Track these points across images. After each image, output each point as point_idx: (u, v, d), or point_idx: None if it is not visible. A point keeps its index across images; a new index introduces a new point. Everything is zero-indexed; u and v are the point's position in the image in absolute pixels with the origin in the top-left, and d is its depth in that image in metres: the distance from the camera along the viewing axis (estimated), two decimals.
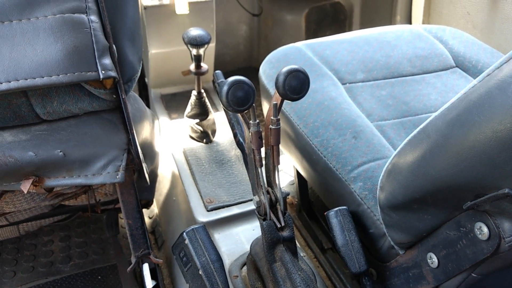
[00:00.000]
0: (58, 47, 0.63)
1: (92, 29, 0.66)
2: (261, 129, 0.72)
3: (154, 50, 1.41)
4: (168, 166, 1.33)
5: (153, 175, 1.10)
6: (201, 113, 1.25)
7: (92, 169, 0.70)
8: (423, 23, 1.73)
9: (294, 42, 2.08)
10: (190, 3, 1.27)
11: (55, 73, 0.62)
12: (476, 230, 0.59)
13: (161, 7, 1.29)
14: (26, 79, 0.61)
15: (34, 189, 0.68)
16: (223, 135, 1.32)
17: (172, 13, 1.29)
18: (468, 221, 0.60)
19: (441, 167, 0.56)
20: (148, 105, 1.61)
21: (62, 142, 0.69)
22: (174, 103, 1.52)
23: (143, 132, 0.91)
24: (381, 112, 1.04)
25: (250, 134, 0.73)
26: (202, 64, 1.15)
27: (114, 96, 0.71)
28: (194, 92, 1.22)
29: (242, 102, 0.67)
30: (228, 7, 2.03)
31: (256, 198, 0.80)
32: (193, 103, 1.24)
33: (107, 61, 0.66)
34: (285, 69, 0.69)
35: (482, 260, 0.60)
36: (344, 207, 0.83)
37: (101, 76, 0.65)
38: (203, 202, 1.06)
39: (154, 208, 1.41)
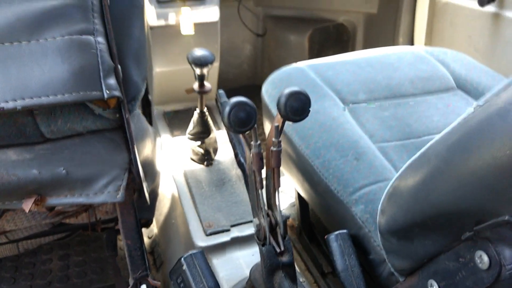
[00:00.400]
0: (65, 67, 0.64)
1: (98, 50, 0.67)
2: (262, 150, 0.72)
3: (159, 69, 1.42)
4: (169, 186, 1.32)
5: (154, 194, 1.10)
6: (203, 131, 1.26)
7: (94, 188, 0.71)
8: (426, 45, 1.74)
9: (297, 62, 2.11)
10: (195, 24, 1.29)
11: (61, 93, 0.63)
12: (476, 259, 0.58)
13: (166, 27, 1.31)
14: (32, 98, 0.62)
15: (35, 208, 0.68)
16: (225, 154, 1.32)
17: (177, 33, 1.31)
18: (468, 252, 0.59)
19: (441, 192, 0.55)
20: (150, 122, 1.62)
21: (66, 161, 0.70)
22: (176, 120, 1.53)
23: (145, 150, 0.92)
24: (384, 134, 1.04)
25: (251, 155, 0.73)
26: (205, 83, 1.16)
27: (118, 115, 0.72)
28: (197, 111, 1.23)
29: (243, 123, 0.67)
30: (233, 27, 2.06)
31: (255, 220, 0.79)
32: (195, 121, 1.25)
33: (112, 81, 0.67)
34: (286, 90, 0.70)
35: None
36: (345, 230, 0.82)
37: (106, 96, 0.66)
38: (202, 226, 1.06)
39: (154, 228, 1.41)
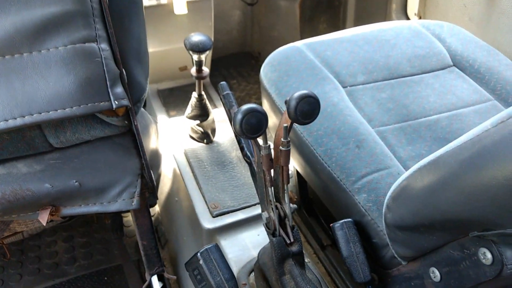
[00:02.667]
0: (70, 79, 0.62)
1: (103, 58, 0.65)
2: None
3: (152, 49, 1.38)
4: (169, 165, 1.33)
5: (157, 180, 1.11)
6: (202, 114, 1.25)
7: (108, 196, 0.71)
8: (419, 12, 1.73)
9: (288, 28, 2.07)
10: (188, 2, 1.25)
11: (69, 106, 0.62)
12: (480, 254, 0.62)
13: (158, 6, 1.26)
14: (40, 113, 0.61)
15: (51, 218, 0.69)
16: (223, 134, 1.33)
17: (170, 12, 1.27)
18: (473, 245, 0.63)
19: (451, 202, 0.58)
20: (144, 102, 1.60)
21: (77, 171, 0.70)
22: (171, 99, 1.51)
23: (150, 144, 0.92)
24: (382, 117, 1.06)
25: (261, 155, 0.74)
26: (203, 67, 1.14)
27: (126, 122, 0.71)
28: (195, 94, 1.22)
29: (255, 130, 0.68)
30: None
31: (265, 214, 0.82)
32: (193, 105, 1.24)
33: (119, 89, 0.66)
34: (296, 94, 0.70)
35: (484, 281, 0.64)
36: (350, 219, 0.86)
37: (114, 106, 0.65)
38: (208, 208, 1.08)
39: (155, 207, 1.43)
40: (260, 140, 0.75)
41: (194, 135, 1.30)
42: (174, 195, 1.30)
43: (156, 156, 0.98)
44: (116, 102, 0.64)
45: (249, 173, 1.19)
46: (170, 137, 1.33)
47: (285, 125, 0.73)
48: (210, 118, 1.28)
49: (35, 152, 0.70)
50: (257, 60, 2.22)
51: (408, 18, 1.82)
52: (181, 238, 1.22)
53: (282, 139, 0.74)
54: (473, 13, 1.50)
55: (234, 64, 2.19)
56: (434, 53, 1.24)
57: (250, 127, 0.67)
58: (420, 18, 1.74)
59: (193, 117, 1.26)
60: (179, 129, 1.35)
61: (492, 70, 1.19)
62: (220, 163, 1.22)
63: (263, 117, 0.68)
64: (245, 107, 0.67)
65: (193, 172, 1.19)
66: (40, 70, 0.62)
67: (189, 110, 1.25)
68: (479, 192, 0.53)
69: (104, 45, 0.66)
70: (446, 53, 1.24)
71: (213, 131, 1.31)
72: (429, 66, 1.21)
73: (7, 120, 0.60)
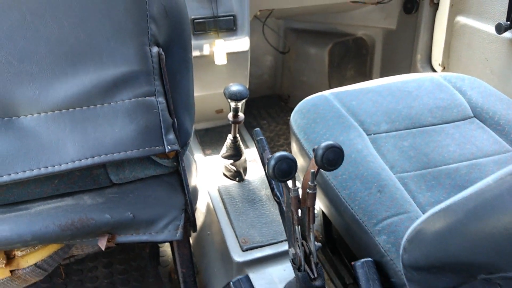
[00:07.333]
0: (132, 127, 0.75)
1: (160, 109, 0.77)
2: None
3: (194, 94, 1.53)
4: (203, 200, 1.44)
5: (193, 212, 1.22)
6: (235, 154, 1.37)
7: (156, 228, 0.82)
8: (443, 63, 1.82)
9: (316, 74, 2.20)
10: (228, 54, 1.39)
11: (130, 149, 0.74)
12: None
13: (201, 57, 1.41)
14: (107, 155, 0.73)
15: (107, 244, 0.80)
16: (254, 173, 1.43)
17: (211, 62, 1.41)
18: None
19: (458, 247, 0.66)
20: None
21: (131, 204, 0.81)
22: (207, 138, 1.64)
23: (191, 181, 1.03)
24: (403, 164, 1.14)
25: (290, 197, 0.84)
26: (239, 113, 1.26)
27: (175, 163, 0.83)
28: (230, 136, 1.34)
29: (286, 174, 0.78)
30: (255, 39, 2.15)
31: (292, 250, 0.91)
32: (228, 146, 1.36)
33: (171, 136, 0.78)
34: (323, 144, 0.80)
35: None
36: (370, 259, 0.93)
37: (167, 150, 0.77)
38: (238, 242, 1.17)
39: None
40: (289, 183, 0.84)
41: (228, 173, 1.41)
42: (206, 229, 1.39)
43: (194, 192, 1.09)
44: (169, 147, 0.76)
45: (277, 211, 1.28)
46: (205, 174, 1.44)
47: (312, 170, 0.82)
48: (242, 158, 1.39)
49: (98, 186, 0.82)
50: (286, 103, 2.34)
51: (432, 68, 1.91)
52: (211, 269, 1.30)
53: (309, 183, 0.83)
54: (494, 67, 1.58)
55: (265, 105, 2.32)
56: (455, 105, 1.32)
57: (281, 172, 0.77)
58: (444, 68, 1.83)
59: (227, 157, 1.37)
60: (213, 167, 1.46)
61: None
62: (251, 201, 1.31)
63: (293, 163, 0.78)
64: (278, 154, 0.77)
65: (225, 208, 1.29)
66: (109, 119, 0.75)
67: (224, 150, 1.37)
68: (482, 240, 0.60)
69: (161, 99, 0.78)
70: (466, 105, 1.32)
71: (245, 170, 1.42)
72: (450, 117, 1.29)
73: (81, 160, 0.73)
